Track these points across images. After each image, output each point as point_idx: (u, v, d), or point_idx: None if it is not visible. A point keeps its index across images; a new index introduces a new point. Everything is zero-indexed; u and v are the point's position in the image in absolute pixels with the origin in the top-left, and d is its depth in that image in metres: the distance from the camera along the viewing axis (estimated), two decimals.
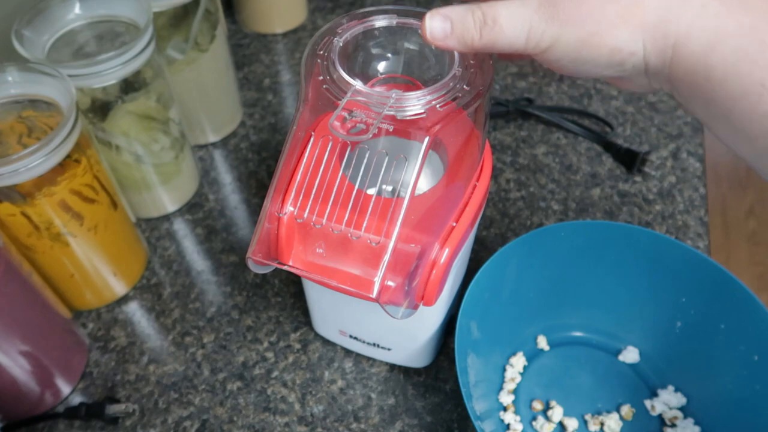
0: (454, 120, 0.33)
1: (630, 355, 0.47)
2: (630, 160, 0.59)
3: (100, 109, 0.47)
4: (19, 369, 0.43)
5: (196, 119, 0.61)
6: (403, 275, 0.34)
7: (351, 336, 0.45)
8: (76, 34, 0.47)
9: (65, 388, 0.47)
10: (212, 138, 0.63)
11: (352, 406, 0.46)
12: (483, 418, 0.43)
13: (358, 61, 0.37)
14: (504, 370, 0.47)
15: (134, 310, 0.52)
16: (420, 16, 0.32)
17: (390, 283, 0.34)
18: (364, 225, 0.34)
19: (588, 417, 0.45)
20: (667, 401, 0.45)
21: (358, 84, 0.34)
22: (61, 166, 0.41)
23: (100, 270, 0.49)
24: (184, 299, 0.52)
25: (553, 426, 0.44)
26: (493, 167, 0.55)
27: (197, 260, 0.55)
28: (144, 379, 0.48)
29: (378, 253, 0.34)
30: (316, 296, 0.44)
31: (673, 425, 0.44)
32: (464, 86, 0.34)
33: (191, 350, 0.49)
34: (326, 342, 0.49)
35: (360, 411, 0.46)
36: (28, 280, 0.42)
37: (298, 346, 0.49)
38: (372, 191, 0.34)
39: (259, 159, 0.62)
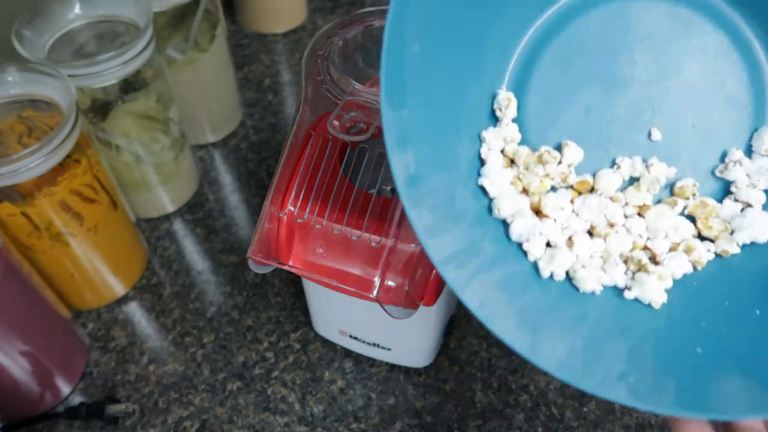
0: None
1: None
2: None
3: (100, 109, 0.47)
4: (19, 369, 0.43)
5: (196, 119, 0.61)
6: (403, 275, 0.34)
7: (351, 336, 0.45)
8: (76, 34, 0.47)
9: (65, 388, 0.47)
10: (212, 138, 0.63)
11: (352, 406, 0.46)
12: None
13: (357, 61, 0.37)
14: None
15: (134, 310, 0.52)
16: None
17: (390, 283, 0.34)
18: (364, 225, 0.34)
19: (623, 161, 0.31)
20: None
21: (357, 84, 0.34)
22: (61, 166, 0.41)
23: (100, 270, 0.49)
24: (184, 299, 0.52)
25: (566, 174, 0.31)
26: None
27: (197, 260, 0.55)
28: (144, 379, 0.48)
29: (378, 253, 0.34)
30: (316, 296, 0.44)
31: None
32: None
33: (191, 350, 0.49)
34: (326, 342, 0.49)
35: (360, 411, 0.46)
36: (28, 280, 0.42)
37: (298, 346, 0.49)
38: (372, 191, 0.34)
39: (259, 159, 0.62)
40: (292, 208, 0.35)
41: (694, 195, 0.30)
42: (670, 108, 0.31)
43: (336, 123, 0.33)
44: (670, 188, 0.31)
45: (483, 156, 0.31)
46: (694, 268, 0.30)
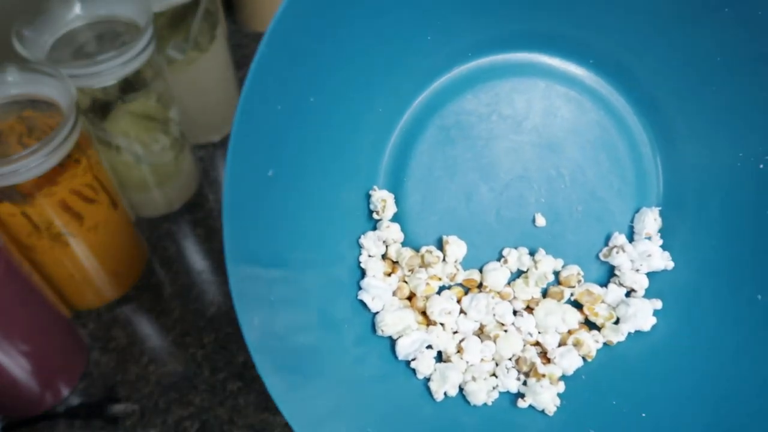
0: None
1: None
2: None
3: (100, 109, 0.47)
4: (19, 369, 0.42)
5: (197, 119, 0.61)
6: None
7: None
8: (76, 34, 0.47)
9: (65, 388, 0.47)
10: (212, 138, 0.63)
11: None
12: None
13: None
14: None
15: (134, 310, 0.52)
16: None
17: None
18: None
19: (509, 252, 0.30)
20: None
21: None
22: (61, 166, 0.41)
23: (100, 270, 0.49)
24: (184, 299, 0.52)
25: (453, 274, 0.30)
26: None
27: (197, 260, 0.55)
28: (144, 379, 0.48)
29: None
30: None
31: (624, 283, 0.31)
32: None
33: (191, 350, 0.49)
34: None
35: None
36: (28, 280, 0.42)
37: None
38: None
39: None
40: None
41: (579, 282, 0.30)
42: (553, 191, 0.30)
43: None
44: (556, 275, 0.31)
45: (362, 265, 0.29)
46: (584, 359, 0.30)
